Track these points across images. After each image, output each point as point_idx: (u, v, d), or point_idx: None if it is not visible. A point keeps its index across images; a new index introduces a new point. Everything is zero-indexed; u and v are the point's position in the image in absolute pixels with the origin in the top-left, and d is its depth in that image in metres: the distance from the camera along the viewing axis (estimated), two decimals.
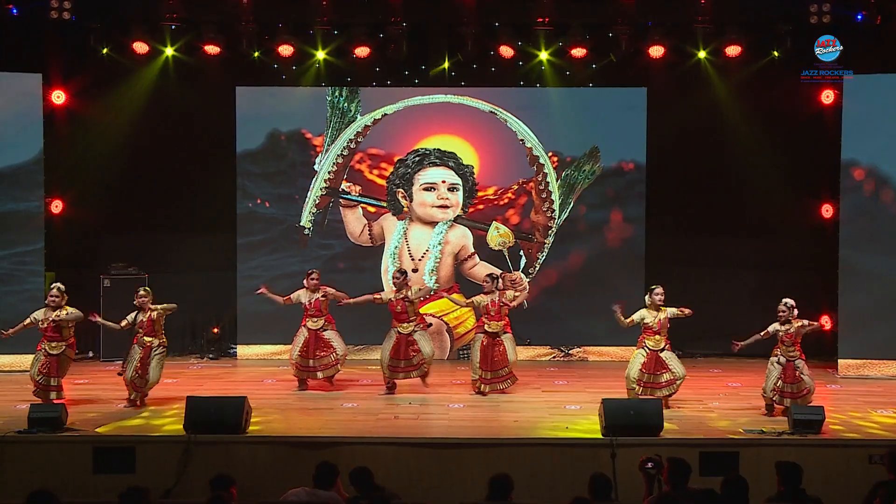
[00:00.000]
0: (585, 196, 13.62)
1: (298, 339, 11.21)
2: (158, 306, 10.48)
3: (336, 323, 11.41)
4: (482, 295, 11.21)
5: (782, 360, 9.96)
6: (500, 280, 11.42)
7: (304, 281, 11.28)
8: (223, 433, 8.86)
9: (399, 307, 11.03)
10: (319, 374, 11.19)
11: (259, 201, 13.70)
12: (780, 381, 9.91)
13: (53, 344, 10.22)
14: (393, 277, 11.31)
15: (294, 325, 11.69)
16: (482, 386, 11.03)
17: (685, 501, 6.18)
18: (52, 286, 10.43)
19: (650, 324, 10.24)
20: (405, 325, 11.02)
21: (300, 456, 8.56)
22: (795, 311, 9.97)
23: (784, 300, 10.00)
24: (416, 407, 10.46)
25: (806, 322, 9.99)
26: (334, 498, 6.56)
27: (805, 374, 9.97)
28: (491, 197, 13.68)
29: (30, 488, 6.18)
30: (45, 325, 10.22)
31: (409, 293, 11.09)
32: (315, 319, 11.14)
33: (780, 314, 9.95)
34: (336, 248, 13.71)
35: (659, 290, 10.31)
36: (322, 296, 11.17)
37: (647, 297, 10.37)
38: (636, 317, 10.33)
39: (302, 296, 11.22)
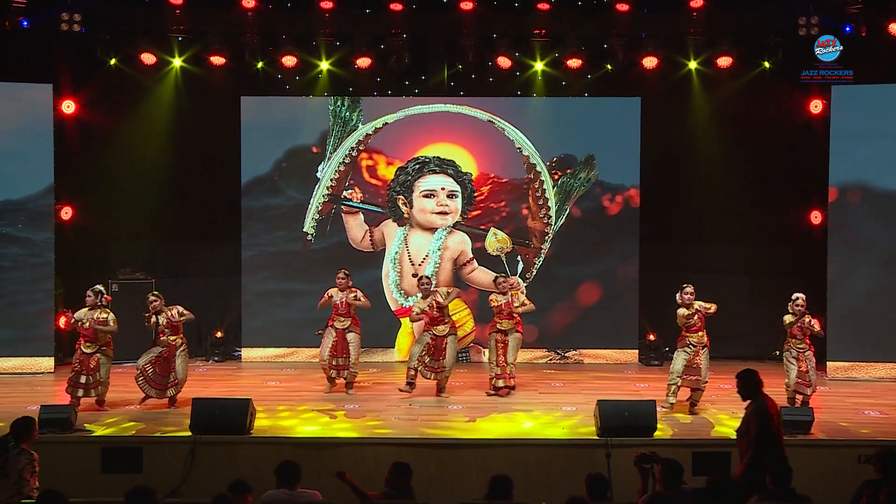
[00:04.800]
0: (581, 202, 13.88)
1: (327, 339, 11.28)
2: (176, 310, 10.68)
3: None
4: (498, 295, 11.37)
5: (794, 352, 10.30)
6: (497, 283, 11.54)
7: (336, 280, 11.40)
8: (228, 434, 9.06)
9: (435, 312, 11.13)
10: (343, 375, 11.33)
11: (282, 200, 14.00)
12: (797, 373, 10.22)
13: (88, 343, 10.46)
14: (420, 284, 11.38)
15: (294, 329, 11.82)
16: (497, 381, 11.18)
17: (678, 501, 6.30)
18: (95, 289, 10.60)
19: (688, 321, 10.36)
20: (441, 327, 11.14)
21: (303, 457, 8.58)
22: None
23: (799, 294, 10.28)
24: (416, 408, 10.65)
25: (814, 322, 10.30)
26: (314, 498, 6.71)
27: (813, 367, 10.31)
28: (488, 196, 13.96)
29: (40, 488, 6.36)
30: (88, 325, 10.46)
31: (439, 297, 11.17)
32: (342, 319, 11.24)
33: (800, 308, 10.20)
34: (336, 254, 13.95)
35: (688, 288, 10.33)
36: (353, 297, 11.22)
37: (678, 296, 10.36)
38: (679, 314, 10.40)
39: (334, 295, 11.30)
